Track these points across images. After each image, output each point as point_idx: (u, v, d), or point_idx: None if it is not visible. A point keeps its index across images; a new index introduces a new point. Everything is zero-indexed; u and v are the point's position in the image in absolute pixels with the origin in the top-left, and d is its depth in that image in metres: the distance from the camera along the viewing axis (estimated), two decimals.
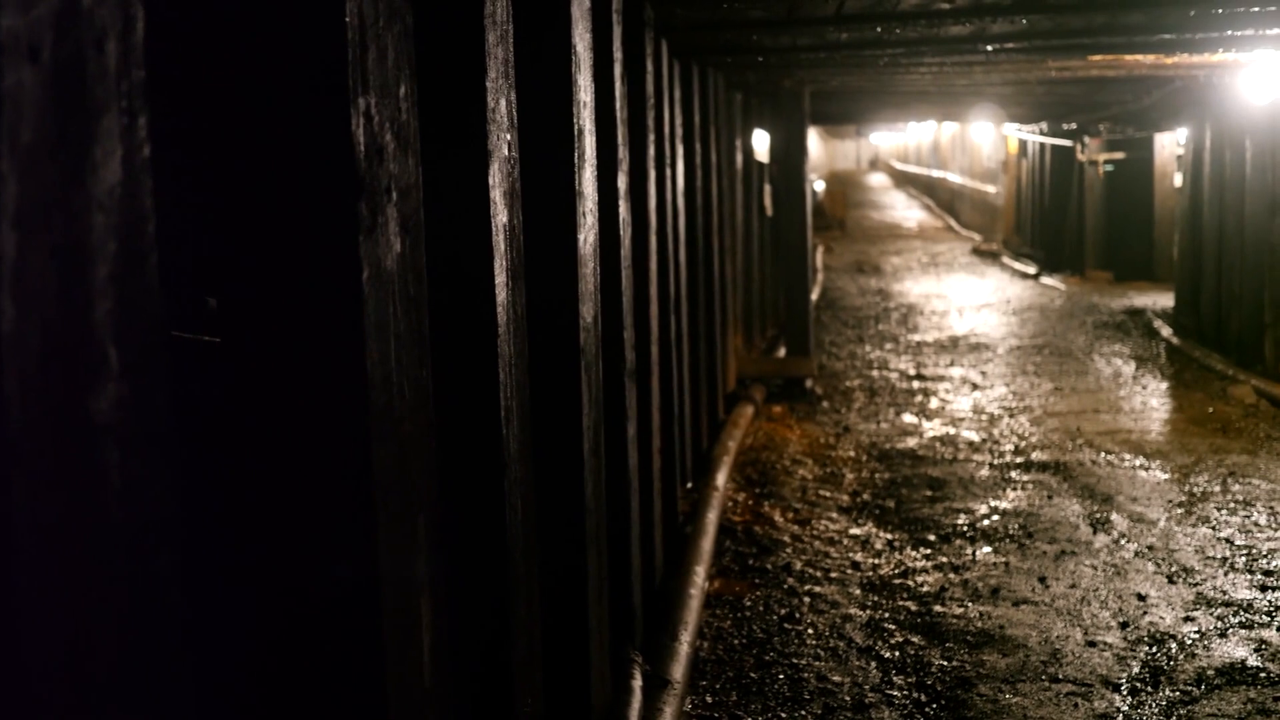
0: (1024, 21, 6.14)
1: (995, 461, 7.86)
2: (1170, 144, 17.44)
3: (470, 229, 2.69)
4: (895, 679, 4.65)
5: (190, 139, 1.88)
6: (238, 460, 1.96)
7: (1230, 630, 5.00)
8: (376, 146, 2.04)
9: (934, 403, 9.84)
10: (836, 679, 4.65)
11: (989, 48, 6.94)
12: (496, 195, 2.78)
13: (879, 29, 6.14)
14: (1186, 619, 5.13)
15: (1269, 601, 5.30)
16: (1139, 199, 18.18)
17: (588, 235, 3.74)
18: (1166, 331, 13.02)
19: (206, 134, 1.89)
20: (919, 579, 5.73)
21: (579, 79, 3.64)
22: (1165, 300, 15.11)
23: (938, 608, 5.35)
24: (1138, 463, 7.78)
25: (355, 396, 1.98)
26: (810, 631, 5.11)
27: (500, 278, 2.79)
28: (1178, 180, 17.21)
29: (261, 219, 1.93)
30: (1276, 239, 10.26)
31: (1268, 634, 4.95)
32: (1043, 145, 20.46)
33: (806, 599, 5.48)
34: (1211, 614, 5.18)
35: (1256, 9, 5.84)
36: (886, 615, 5.29)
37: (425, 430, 2.28)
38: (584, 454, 3.62)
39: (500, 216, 2.81)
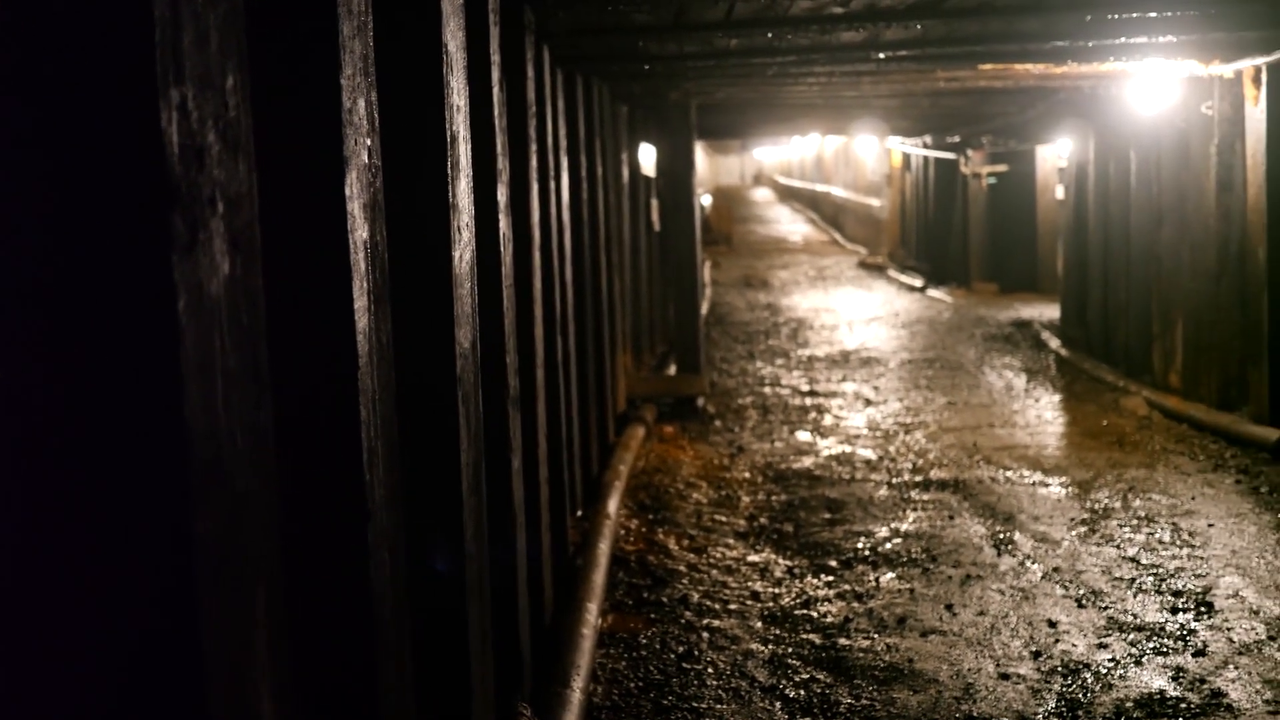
0: (918, 27, 5.94)
1: (893, 481, 7.65)
2: (1052, 157, 17.56)
3: (322, 246, 2.34)
4: None
5: None
6: (24, 536, 1.60)
7: (1145, 657, 4.80)
8: (195, 148, 1.68)
9: (828, 420, 9.63)
10: None
11: (881, 55, 6.74)
12: (355, 208, 2.43)
13: (770, 34, 5.89)
14: (1100, 646, 4.92)
15: (1180, 625, 5.12)
16: (1022, 211, 18.31)
17: (464, 252, 3.40)
18: (1055, 343, 13.02)
19: None
20: (822, 609, 5.46)
21: (451, 81, 3.31)
22: (1050, 312, 15.15)
23: (843, 640, 5.08)
24: (1036, 478, 7.62)
25: (171, 449, 1.62)
26: (710, 671, 4.80)
27: (360, 301, 2.44)
28: (1059, 193, 17.31)
29: (50, 234, 1.57)
30: (1162, 250, 10.24)
31: (1183, 660, 4.76)
32: (927, 159, 20.53)
33: (705, 634, 5.18)
34: (1124, 639, 4.98)
35: (1154, 14, 5.70)
36: (790, 650, 5.01)
37: (265, 484, 1.92)
38: (463, 494, 3.28)
39: (360, 232, 2.46)
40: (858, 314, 16.18)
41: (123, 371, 1.59)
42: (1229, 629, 5.05)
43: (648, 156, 12.15)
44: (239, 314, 1.81)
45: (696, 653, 4.97)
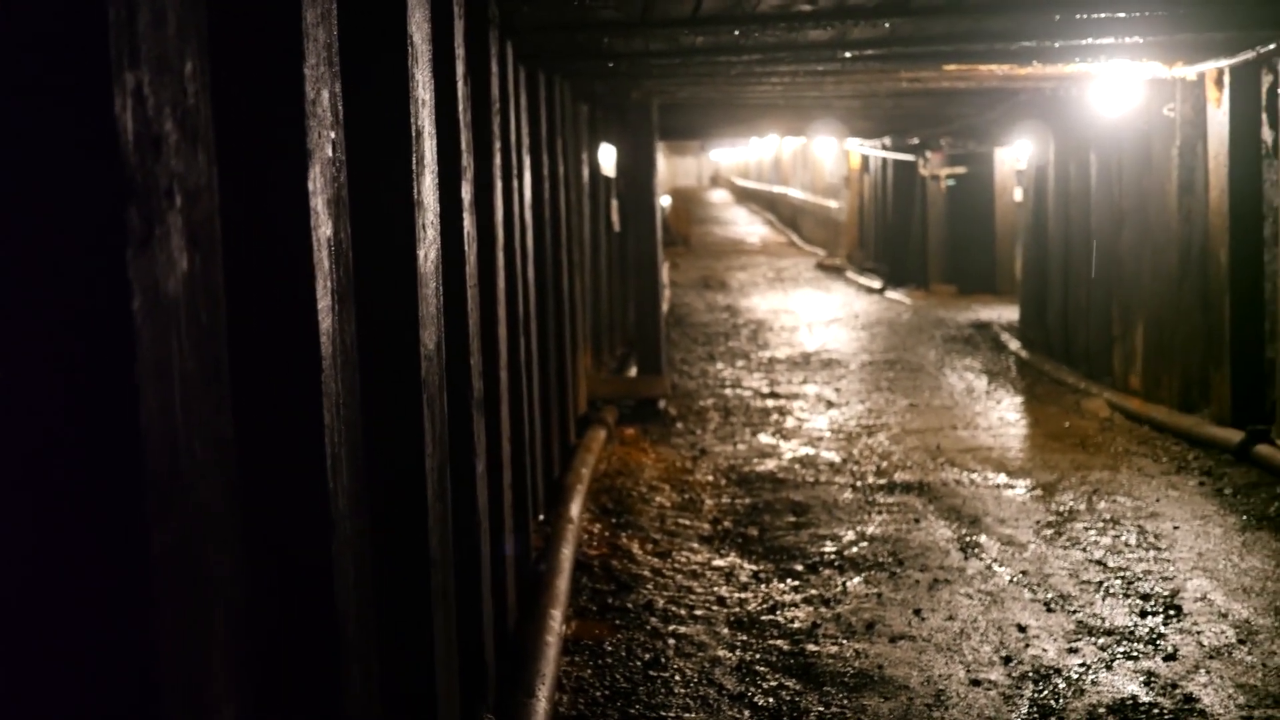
0: (886, 26, 5.88)
1: (858, 484, 7.59)
2: (1010, 159, 17.62)
3: (285, 243, 2.23)
4: None
5: None
6: None
7: (1116, 662, 4.76)
8: (152, 136, 1.58)
9: (790, 422, 9.57)
10: None
11: (848, 54, 6.67)
12: (318, 203, 2.33)
13: (737, 32, 5.81)
14: (1070, 650, 4.88)
15: (1149, 628, 5.08)
16: (980, 213, 18.33)
17: (429, 251, 3.30)
18: (1014, 345, 13.02)
19: None
20: (789, 614, 5.39)
21: (417, 74, 3.21)
22: (1009, 313, 15.17)
23: (811, 646, 5.01)
24: (1001, 480, 7.59)
25: (125, 458, 1.52)
26: (678, 678, 4.72)
27: (324, 301, 2.34)
28: (1018, 195, 17.36)
29: None
30: (1123, 253, 10.26)
31: (1153, 665, 4.72)
32: (885, 160, 20.55)
33: (671, 641, 5.09)
34: (1094, 644, 4.94)
35: (1122, 14, 5.67)
36: (758, 656, 4.93)
37: (225, 496, 1.82)
38: (428, 500, 3.18)
39: (324, 229, 2.36)
40: (817, 315, 16.15)
41: (74, 375, 1.48)
42: (1198, 632, 5.01)
43: (608, 157, 12.05)
44: (198, 313, 1.70)
45: (663, 660, 4.88)
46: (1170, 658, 4.77)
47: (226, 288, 1.90)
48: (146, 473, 1.53)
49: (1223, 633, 5.00)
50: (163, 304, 1.59)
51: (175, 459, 1.62)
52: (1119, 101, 9.37)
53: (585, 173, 10.39)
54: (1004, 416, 9.74)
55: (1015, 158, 17.14)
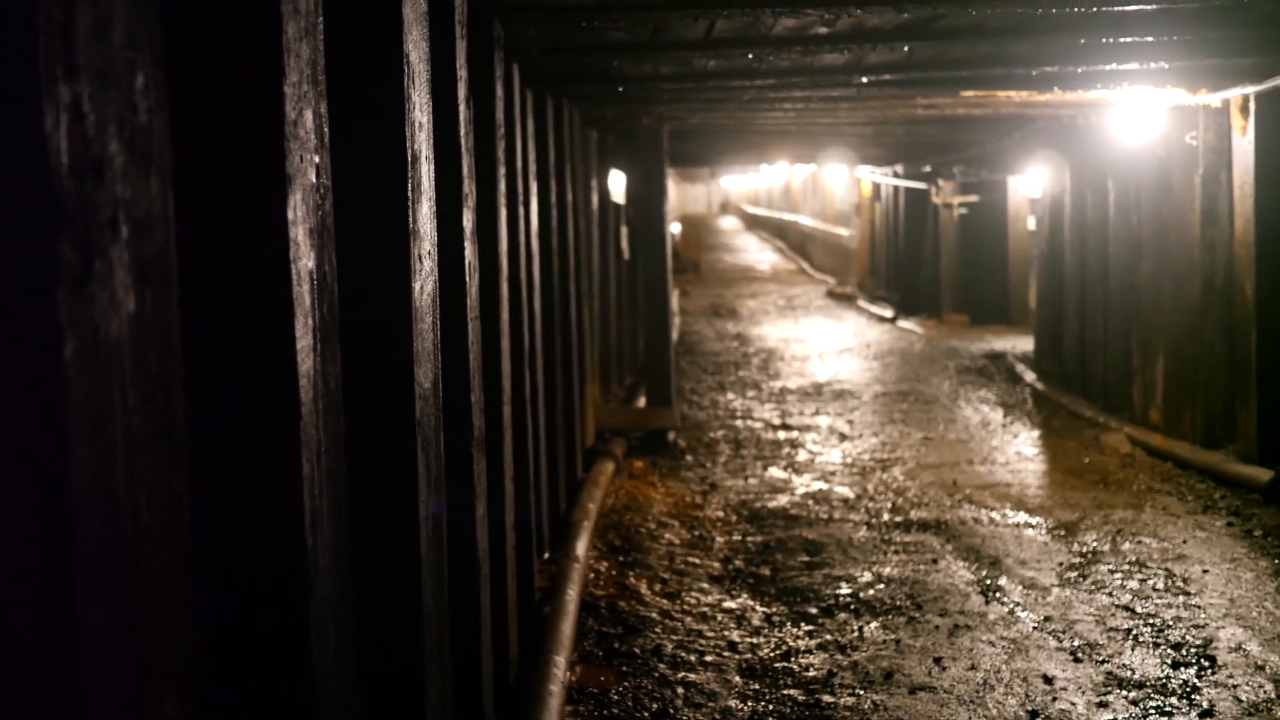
0: (905, 49, 5.68)
1: (873, 521, 7.36)
2: (1023, 187, 17.41)
3: (259, 277, 2.03)
4: None
5: None
6: None
7: (1149, 718, 4.51)
8: (92, 159, 1.38)
9: (802, 455, 9.34)
10: None
11: (864, 79, 6.48)
12: (299, 233, 2.12)
13: (750, 55, 5.62)
14: (1100, 704, 4.63)
15: (1183, 681, 4.84)
16: (993, 242, 18.12)
17: (425, 283, 3.09)
18: (1030, 376, 12.79)
19: None
20: (803, 661, 5.16)
21: (413, 95, 3.01)
22: (1024, 344, 14.94)
23: (827, 697, 4.77)
24: (1020, 519, 7.35)
25: (52, 526, 1.31)
26: None
27: (304, 340, 2.13)
28: (1031, 223, 17.15)
29: None
30: (1142, 282, 10.04)
31: None
32: (897, 188, 20.36)
33: (680, 689, 4.86)
34: (1126, 698, 4.70)
35: (1150, 38, 5.47)
36: (771, 707, 4.69)
37: (177, 562, 1.61)
38: (421, 550, 2.96)
39: (304, 261, 2.15)
40: (828, 345, 15.94)
41: None
42: (1234, 686, 4.77)
43: (618, 183, 11.89)
44: (146, 360, 1.50)
45: (672, 710, 4.65)
46: (1206, 714, 4.53)
47: (191, 328, 1.70)
48: (78, 542, 1.33)
49: (1261, 686, 4.75)
50: (103, 350, 1.39)
51: (116, 525, 1.42)
52: (1139, 129, 9.17)
53: (594, 199, 10.22)
54: (1021, 451, 9.50)
55: (1029, 186, 16.93)
